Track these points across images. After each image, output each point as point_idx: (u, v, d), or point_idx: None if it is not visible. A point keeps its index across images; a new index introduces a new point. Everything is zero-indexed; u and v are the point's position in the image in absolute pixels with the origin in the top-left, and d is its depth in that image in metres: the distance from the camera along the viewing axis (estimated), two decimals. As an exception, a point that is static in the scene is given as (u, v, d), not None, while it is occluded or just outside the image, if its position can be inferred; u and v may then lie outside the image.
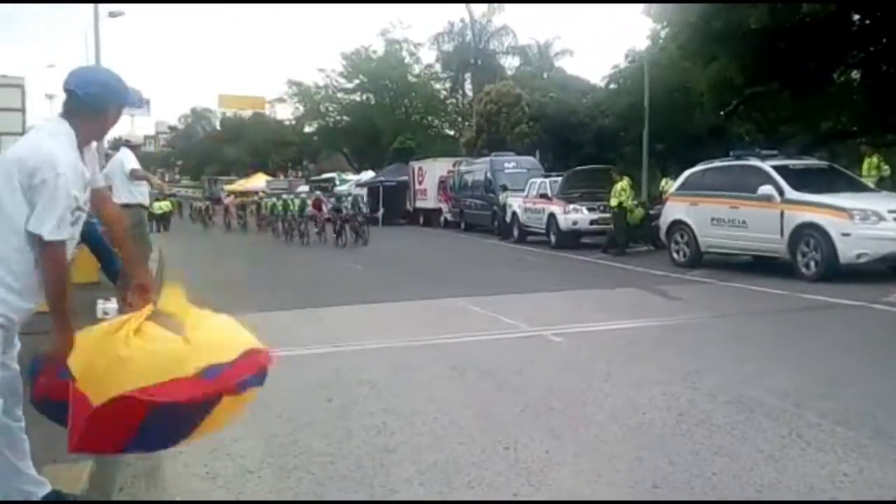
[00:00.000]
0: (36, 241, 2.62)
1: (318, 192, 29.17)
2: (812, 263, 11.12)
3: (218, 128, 79.06)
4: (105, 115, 2.90)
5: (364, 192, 32.01)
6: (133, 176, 8.13)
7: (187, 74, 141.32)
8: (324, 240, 23.92)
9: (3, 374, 2.71)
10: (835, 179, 12.75)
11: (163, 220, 34.92)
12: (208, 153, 75.43)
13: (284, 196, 29.10)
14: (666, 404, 5.01)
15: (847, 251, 10.66)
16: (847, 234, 10.68)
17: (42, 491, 2.93)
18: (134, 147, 8.82)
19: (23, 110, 50.97)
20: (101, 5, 24.09)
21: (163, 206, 35.11)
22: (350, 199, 24.45)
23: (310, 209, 25.43)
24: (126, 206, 7.98)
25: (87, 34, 25.00)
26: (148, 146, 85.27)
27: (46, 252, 2.67)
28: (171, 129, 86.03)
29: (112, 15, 26.62)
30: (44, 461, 3.07)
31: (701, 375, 5.69)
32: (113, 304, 7.41)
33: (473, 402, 5.22)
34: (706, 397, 5.12)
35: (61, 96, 2.92)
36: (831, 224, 10.88)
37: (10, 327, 2.72)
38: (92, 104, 2.83)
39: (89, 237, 8.18)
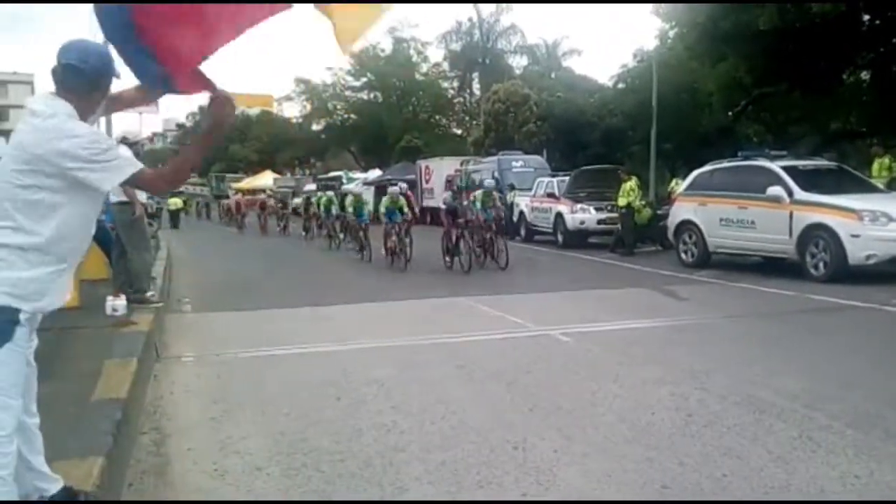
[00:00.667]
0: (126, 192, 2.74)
1: (403, 185, 16.30)
2: (821, 264, 11.09)
3: (225, 125, 79.13)
4: (105, 86, 2.83)
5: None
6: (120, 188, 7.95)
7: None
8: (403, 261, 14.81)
9: (25, 371, 2.72)
10: (844, 180, 12.70)
11: (175, 216, 35.05)
12: (215, 151, 75.50)
13: (355, 191, 21.31)
14: (675, 405, 5.00)
15: (856, 252, 10.63)
16: (856, 236, 10.65)
17: (55, 487, 2.93)
18: (132, 144, 8.65)
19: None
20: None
21: (176, 202, 35.21)
22: (480, 195, 14.80)
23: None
24: (122, 203, 7.97)
25: (96, 30, 25.03)
26: (156, 143, 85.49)
27: (147, 186, 2.98)
28: (180, 126, 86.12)
29: (121, 12, 26.69)
30: (54, 457, 3.08)
31: (710, 376, 5.68)
32: (122, 301, 7.43)
33: (482, 402, 5.22)
34: (715, 398, 5.11)
35: None
36: (840, 225, 10.84)
37: (32, 320, 2.73)
38: (94, 76, 2.75)
39: (99, 234, 8.21)
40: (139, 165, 2.77)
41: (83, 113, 2.73)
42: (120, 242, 8.20)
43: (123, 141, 9.00)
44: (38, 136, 2.60)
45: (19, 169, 2.61)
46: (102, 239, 8.47)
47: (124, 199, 7.96)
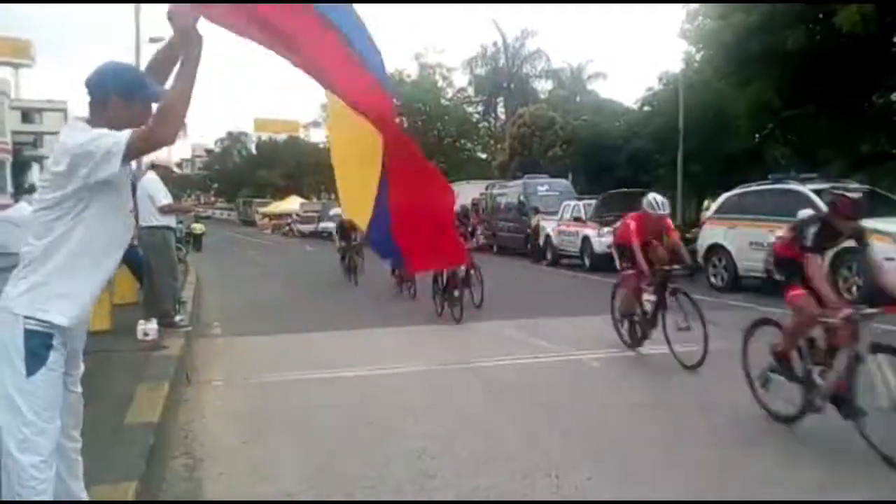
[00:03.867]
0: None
1: None
2: (854, 288, 10.91)
3: (253, 151, 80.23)
4: (106, 102, 2.74)
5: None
6: (162, 212, 8.07)
7: (224, 98, 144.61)
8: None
9: (67, 396, 2.73)
10: (876, 203, 12.48)
11: (198, 240, 35.46)
12: (243, 176, 76.52)
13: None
14: (709, 432, 4.92)
15: (891, 276, 10.42)
16: (891, 259, 10.45)
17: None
18: (161, 167, 8.69)
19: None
20: (141, 31, 24.72)
21: (200, 227, 35.61)
22: None
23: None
24: (151, 228, 8.05)
25: (128, 59, 25.52)
26: (185, 169, 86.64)
27: (153, 139, 2.67)
28: (208, 152, 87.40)
29: (152, 40, 27.12)
30: (88, 481, 3.08)
31: (743, 403, 5.58)
32: (153, 325, 7.49)
33: (513, 427, 5.18)
34: (751, 426, 5.02)
35: None
36: (874, 249, 10.64)
37: (70, 343, 2.74)
38: (93, 90, 2.76)
39: (130, 258, 8.31)
40: (125, 133, 2.61)
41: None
42: (150, 267, 8.28)
43: (152, 167, 9.13)
44: (56, 154, 2.66)
45: (45, 187, 2.67)
46: (134, 263, 8.58)
47: (153, 223, 8.05)
